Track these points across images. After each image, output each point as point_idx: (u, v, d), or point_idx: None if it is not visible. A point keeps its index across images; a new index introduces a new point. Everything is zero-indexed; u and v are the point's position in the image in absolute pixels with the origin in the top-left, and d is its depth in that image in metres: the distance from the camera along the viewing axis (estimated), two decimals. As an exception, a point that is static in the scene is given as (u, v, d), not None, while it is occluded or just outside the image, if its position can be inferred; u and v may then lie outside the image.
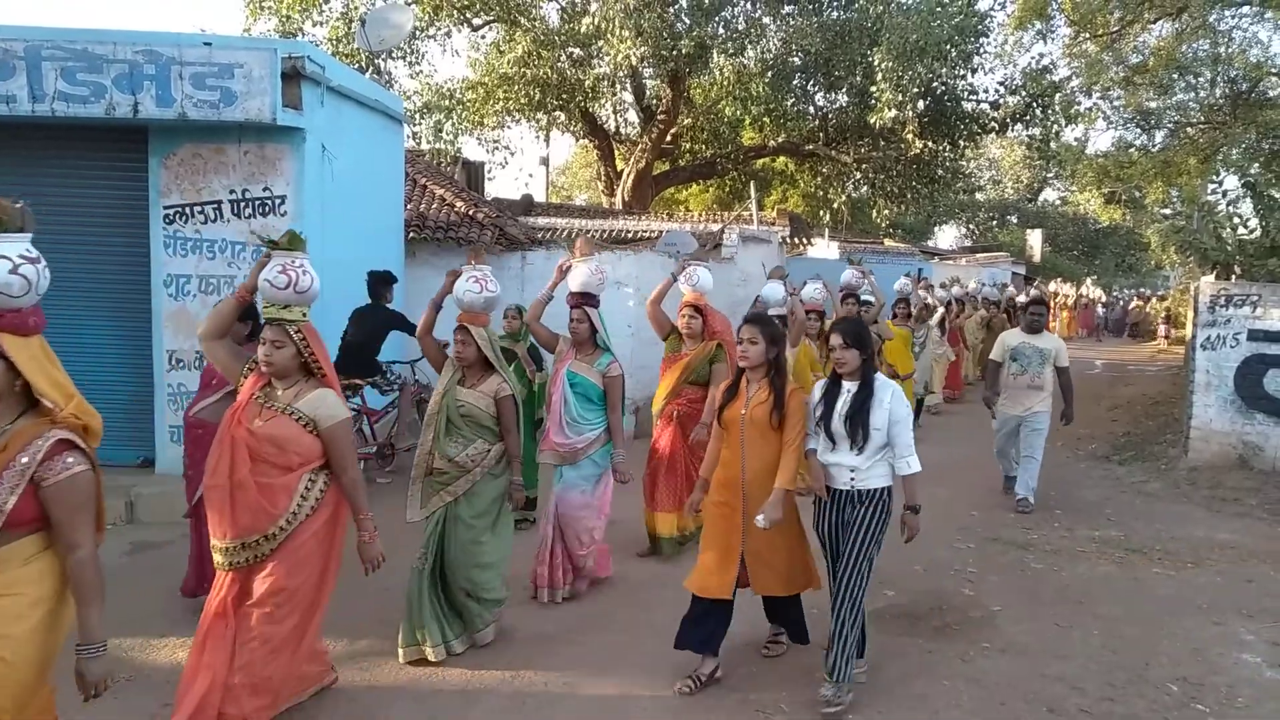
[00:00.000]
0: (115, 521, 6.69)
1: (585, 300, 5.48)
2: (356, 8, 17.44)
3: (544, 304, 5.66)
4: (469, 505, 4.57)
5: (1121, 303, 37.20)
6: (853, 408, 4.05)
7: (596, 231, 14.17)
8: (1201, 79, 16.98)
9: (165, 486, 7.19)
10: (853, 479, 4.12)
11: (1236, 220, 11.23)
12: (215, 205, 7.35)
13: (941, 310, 13.70)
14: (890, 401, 4.06)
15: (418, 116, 19.06)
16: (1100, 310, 33.43)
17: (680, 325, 6.19)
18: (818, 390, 4.26)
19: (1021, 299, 20.44)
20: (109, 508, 6.91)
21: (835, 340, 4.07)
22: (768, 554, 4.31)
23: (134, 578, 5.62)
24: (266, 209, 7.35)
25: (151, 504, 6.96)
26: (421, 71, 20.20)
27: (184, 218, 7.36)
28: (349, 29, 16.70)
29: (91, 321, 7.55)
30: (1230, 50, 16.20)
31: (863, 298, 9.06)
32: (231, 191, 7.35)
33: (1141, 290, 42.81)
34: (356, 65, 16.08)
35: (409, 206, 11.17)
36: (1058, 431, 12.20)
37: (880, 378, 4.16)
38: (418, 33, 18.72)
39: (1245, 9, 15.82)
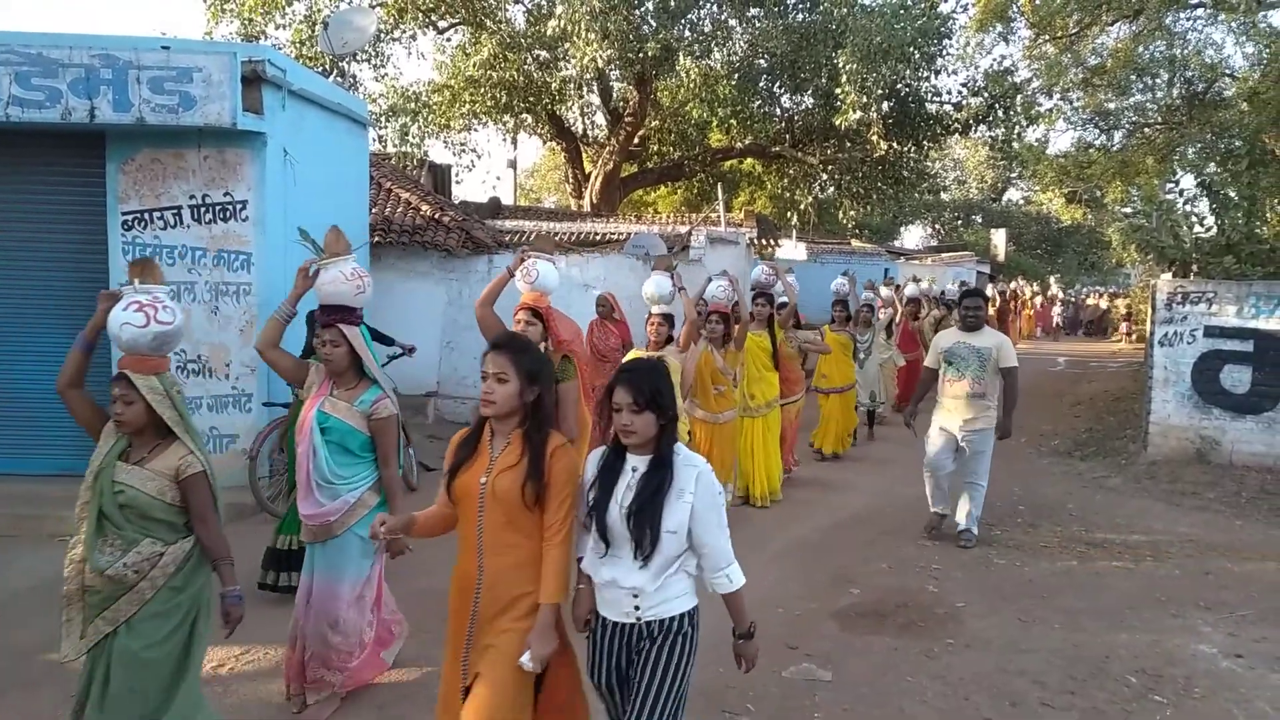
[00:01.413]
0: (73, 532, 6.57)
1: (339, 316, 4.04)
2: (320, 11, 17.29)
3: (282, 326, 4.21)
4: (136, 635, 3.17)
5: (1074, 300, 37.50)
6: (640, 497, 2.72)
7: (565, 234, 14.16)
8: (1158, 80, 17.29)
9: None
10: (637, 606, 2.80)
11: (1193, 219, 11.42)
12: (175, 211, 7.27)
13: (889, 311, 12.89)
14: (696, 491, 2.74)
15: (383, 120, 18.91)
16: (1056, 309, 33.69)
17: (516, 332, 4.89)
18: (591, 463, 2.90)
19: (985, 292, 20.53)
20: (65, 519, 6.83)
21: (619, 396, 2.75)
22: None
23: (94, 589, 5.52)
24: (227, 214, 7.28)
25: (112, 514, 6.85)
26: (387, 74, 20.03)
27: (143, 223, 7.27)
28: (312, 32, 16.55)
29: (48, 329, 7.43)
30: (1186, 52, 16.51)
31: (777, 299, 8.56)
32: (191, 197, 7.28)
33: (1098, 288, 43.33)
34: (320, 68, 15.95)
35: (374, 210, 11.12)
36: (1020, 428, 12.41)
37: (684, 454, 2.82)
38: (383, 35, 18.59)
39: (1199, 11, 16.12)
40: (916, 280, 16.49)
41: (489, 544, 2.83)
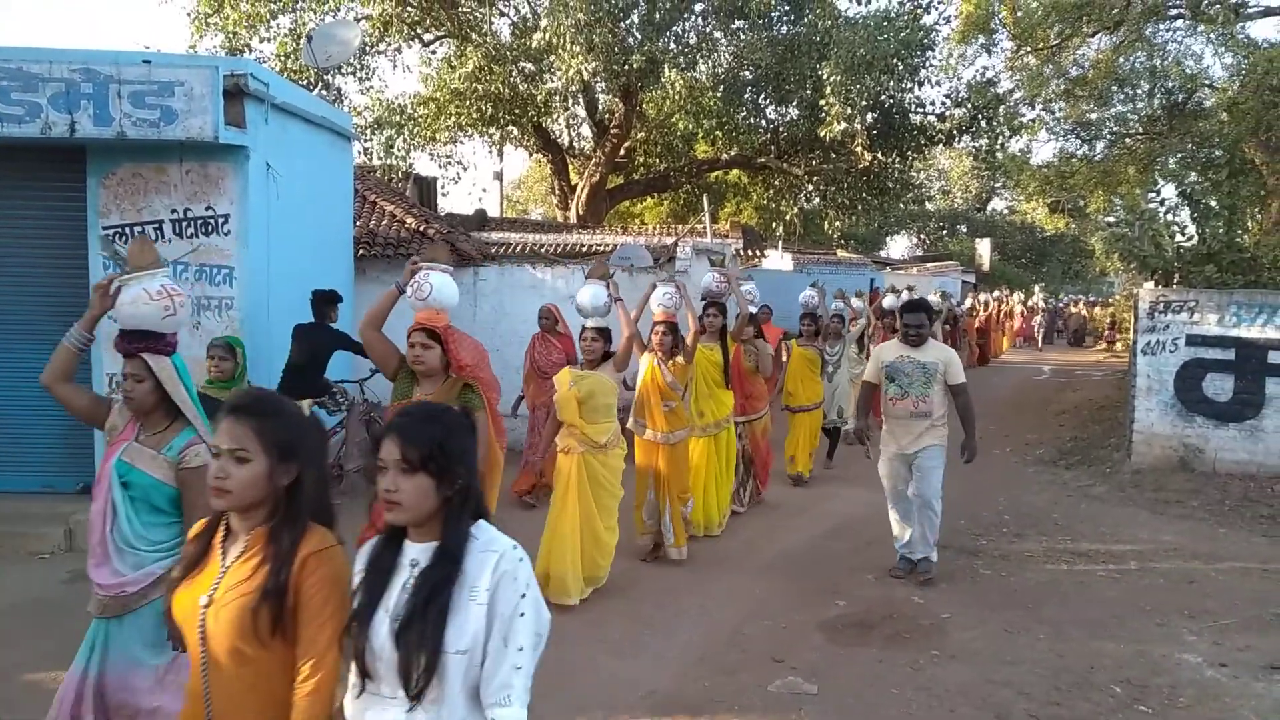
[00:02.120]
0: (54, 550, 6.53)
1: (143, 344, 3.28)
2: (304, 24, 17.28)
3: (74, 355, 3.49)
4: None
5: (1054, 308, 37.41)
6: (416, 602, 1.92)
7: (550, 245, 14.14)
8: (1139, 91, 17.40)
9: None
10: None
11: (1175, 228, 11.53)
12: (156, 225, 7.22)
13: (862, 323, 11.94)
14: (493, 586, 1.93)
15: (368, 132, 18.89)
16: (1037, 318, 33.48)
17: (409, 358, 4.29)
18: (362, 557, 2.08)
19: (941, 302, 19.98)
20: (45, 536, 6.76)
21: (384, 450, 1.97)
22: None
23: (72, 608, 5.46)
24: (210, 228, 7.24)
25: (93, 531, 6.78)
26: (372, 87, 20.05)
27: (124, 238, 7.20)
28: (297, 45, 16.53)
29: (29, 344, 7.35)
30: (1166, 63, 16.63)
31: (759, 307, 8.14)
32: (173, 211, 7.23)
33: (1077, 297, 43.40)
34: (305, 82, 15.92)
35: (358, 223, 11.08)
36: (1006, 438, 12.53)
37: (486, 536, 2.01)
38: (368, 48, 18.59)
39: (1179, 23, 16.29)
40: (895, 290, 15.39)
41: (217, 690, 2.05)
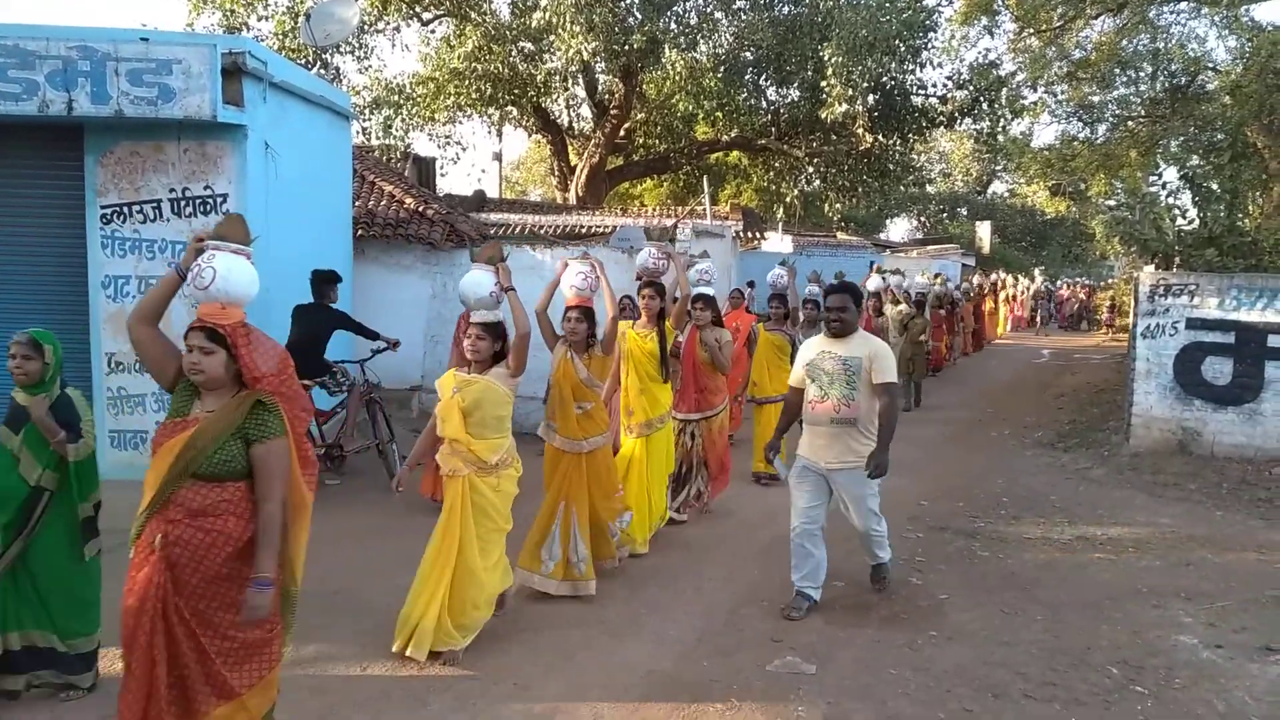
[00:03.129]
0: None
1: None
2: (302, 2, 17.17)
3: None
4: None
5: (1048, 291, 36.95)
6: None
7: (551, 226, 14.11)
8: (1142, 73, 17.31)
9: (107, 492, 6.99)
10: None
11: (1176, 212, 11.50)
12: (154, 204, 7.21)
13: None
14: None
15: (367, 112, 18.84)
16: (1032, 302, 32.97)
17: (185, 365, 3.25)
18: None
19: (940, 289, 18.51)
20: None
21: None
22: None
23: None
24: (208, 208, 7.23)
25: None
26: (370, 66, 19.91)
27: (122, 217, 7.20)
28: (295, 23, 16.44)
29: (27, 322, 7.33)
30: (1169, 45, 16.55)
31: (704, 290, 7.13)
32: (171, 190, 7.21)
33: (1075, 280, 43.11)
34: (303, 60, 15.84)
35: (357, 203, 11.05)
36: (1004, 420, 12.54)
37: None
38: (366, 27, 18.49)
39: (1183, 5, 16.20)
40: (881, 271, 14.33)
41: None
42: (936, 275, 19.42)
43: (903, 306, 14.11)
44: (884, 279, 13.94)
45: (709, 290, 7.17)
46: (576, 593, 5.34)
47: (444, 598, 4.44)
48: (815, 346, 5.35)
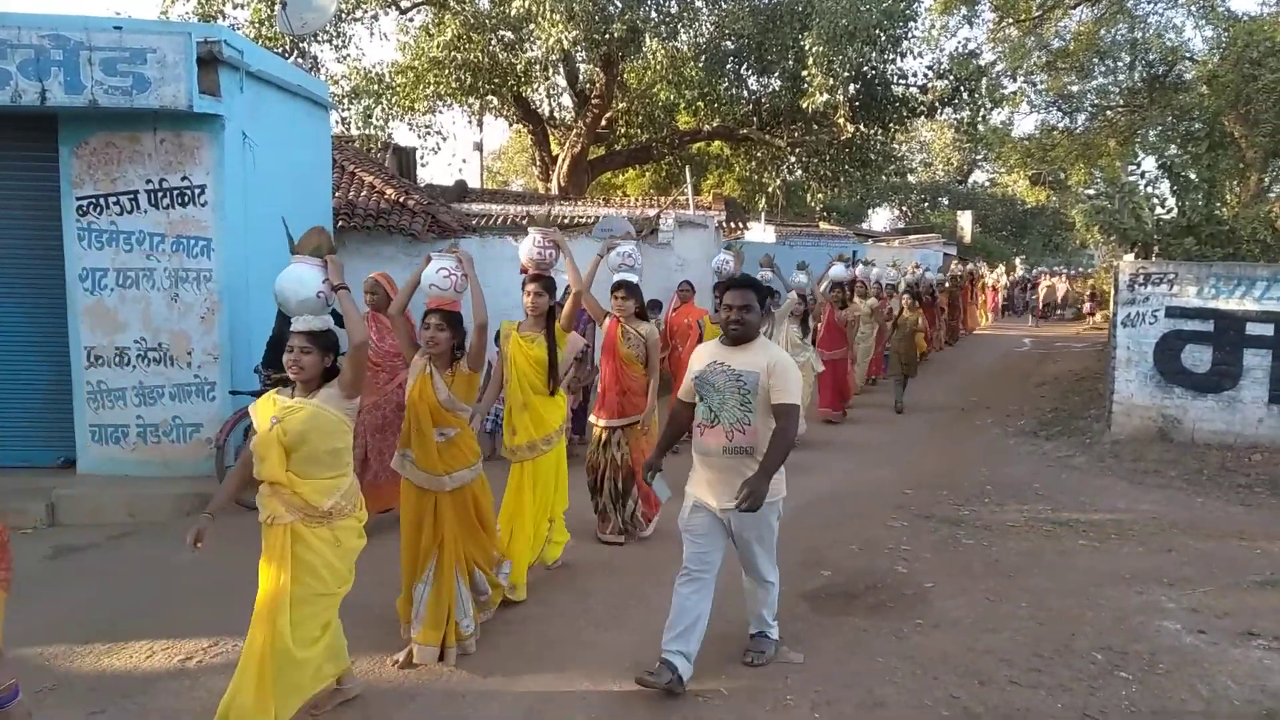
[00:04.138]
0: (35, 525, 6.47)
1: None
2: (279, -10, 16.96)
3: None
4: None
5: (1022, 280, 36.64)
6: None
7: (529, 216, 14.00)
8: (1120, 63, 17.44)
9: (88, 488, 6.95)
10: None
11: (1154, 201, 11.58)
12: (131, 196, 7.11)
13: (792, 297, 9.72)
14: None
15: (346, 101, 18.65)
16: (1006, 292, 32.72)
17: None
18: None
19: (928, 275, 18.27)
20: (25, 511, 6.68)
21: None
22: None
23: (56, 583, 5.43)
24: (185, 199, 7.13)
25: (74, 506, 6.72)
26: (349, 55, 19.76)
27: (98, 209, 7.10)
28: (271, 11, 16.22)
29: (3, 318, 7.27)
30: (1147, 35, 16.67)
31: (627, 276, 6.26)
32: (148, 181, 7.11)
33: (1056, 269, 43.24)
34: (280, 49, 15.66)
35: (337, 194, 10.96)
36: (987, 409, 12.61)
37: None
38: (344, 15, 18.30)
39: (1160, -6, 16.33)
40: (843, 259, 12.77)
41: None
42: (915, 265, 19.31)
43: (872, 300, 13.72)
44: (846, 266, 12.68)
45: (632, 277, 6.23)
46: (464, 651, 4.48)
47: (264, 680, 3.49)
48: (706, 355, 4.30)
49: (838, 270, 12.04)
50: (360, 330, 3.70)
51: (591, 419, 6.51)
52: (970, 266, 28.95)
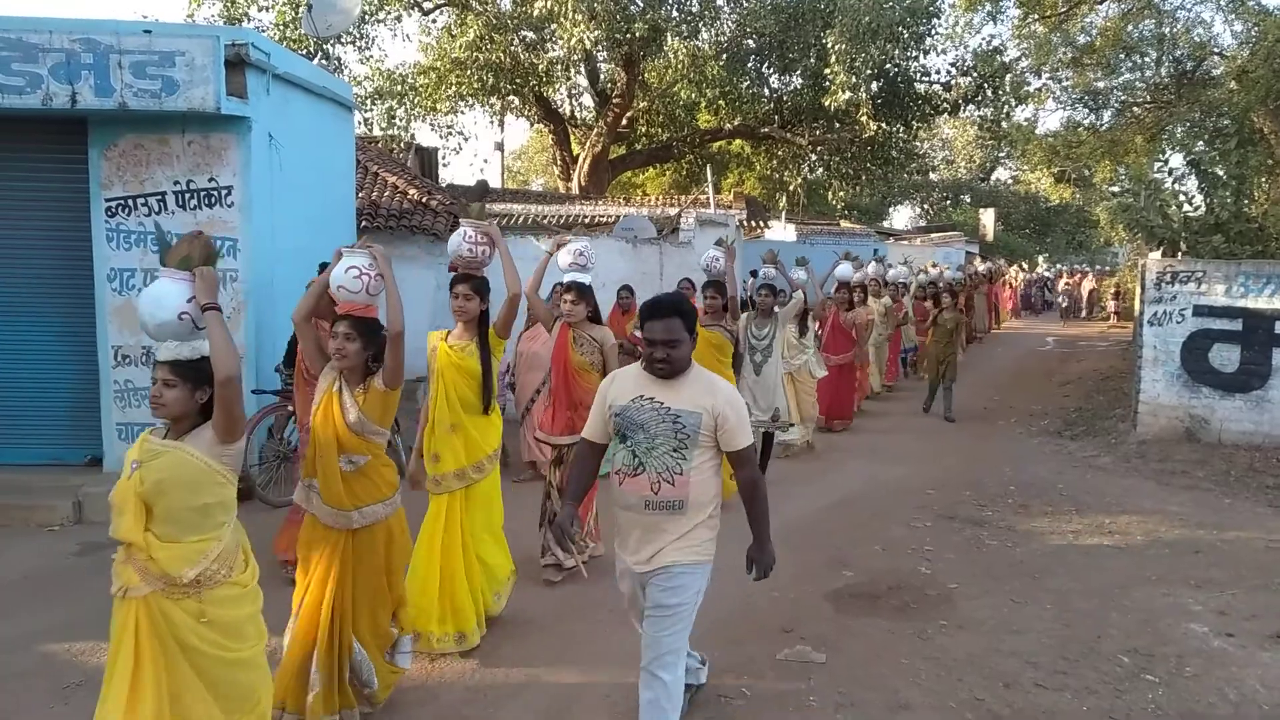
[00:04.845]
0: (63, 522, 6.55)
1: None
2: (303, -8, 17.10)
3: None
4: None
5: (1040, 279, 36.03)
6: None
7: (553, 217, 14.06)
8: (1147, 59, 17.21)
9: (115, 485, 7.03)
10: None
11: (1182, 198, 11.45)
12: (159, 197, 7.19)
13: (798, 297, 8.67)
14: None
15: (369, 103, 18.78)
16: (1023, 290, 32.22)
17: None
18: None
19: (940, 272, 17.63)
20: (54, 508, 6.77)
21: None
22: None
23: (83, 580, 5.50)
24: (213, 200, 7.20)
25: (101, 503, 6.76)
26: (372, 57, 19.93)
27: (127, 210, 7.18)
28: (296, 14, 16.36)
29: (34, 317, 7.36)
30: (1175, 30, 16.45)
31: (579, 277, 5.64)
32: (176, 183, 7.19)
33: (1080, 267, 42.71)
34: (304, 51, 15.79)
35: (361, 195, 11.03)
36: (1011, 408, 12.51)
37: None
38: (367, 17, 18.42)
39: (1189, -11, 16.11)
40: (849, 258, 11.86)
41: None
42: (933, 263, 18.97)
43: (887, 299, 13.26)
44: (853, 265, 11.81)
45: (584, 277, 5.62)
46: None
47: None
48: (628, 385, 3.43)
49: (844, 270, 11.33)
50: (227, 363, 2.96)
51: (540, 434, 5.82)
52: (986, 265, 27.79)
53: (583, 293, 5.56)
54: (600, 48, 17.58)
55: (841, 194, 23.50)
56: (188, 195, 7.20)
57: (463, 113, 20.74)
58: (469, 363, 4.54)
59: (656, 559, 3.38)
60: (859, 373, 11.54)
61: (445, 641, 4.44)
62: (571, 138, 22.67)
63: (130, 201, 7.18)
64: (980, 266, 25.76)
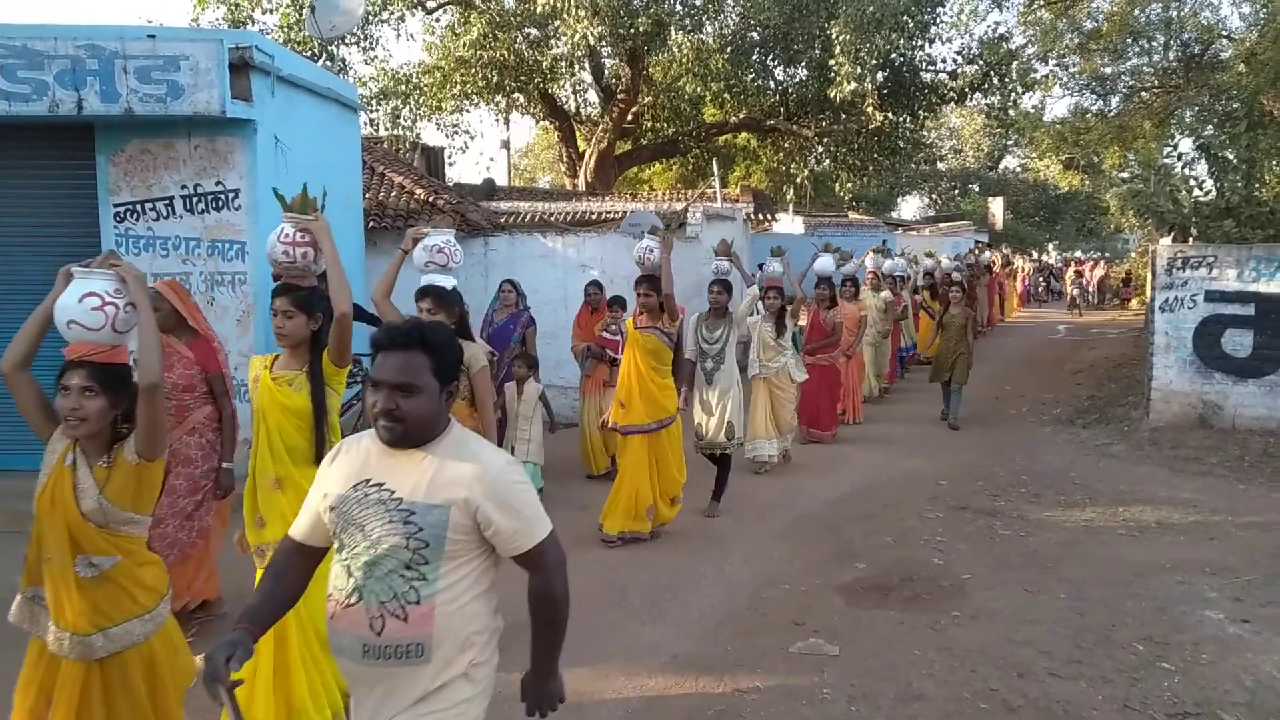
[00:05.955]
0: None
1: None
2: (306, -6, 17.13)
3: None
4: None
5: (1047, 267, 35.65)
6: None
7: (560, 213, 14.06)
8: (1155, 43, 17.10)
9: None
10: None
11: (1192, 182, 11.37)
12: (167, 201, 7.22)
13: (751, 293, 7.41)
14: None
15: (374, 103, 18.82)
16: (1028, 279, 31.85)
17: None
18: None
19: (940, 265, 16.20)
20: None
21: None
22: None
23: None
24: (220, 203, 7.23)
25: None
26: (376, 57, 19.86)
27: (135, 215, 7.22)
28: (300, 15, 16.39)
29: (45, 324, 7.41)
30: (1182, 13, 16.34)
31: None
32: (183, 187, 7.22)
33: (1090, 254, 42.37)
34: (309, 53, 15.82)
35: (368, 195, 11.05)
36: (1022, 397, 12.45)
37: None
38: (371, 17, 18.44)
39: (1196, -28, 15.99)
40: (829, 250, 11.05)
41: None
42: (929, 252, 18.05)
43: (886, 293, 12.33)
44: (833, 258, 10.92)
45: (445, 280, 4.64)
46: None
47: None
48: (354, 463, 2.23)
49: (823, 263, 10.36)
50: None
51: None
52: (986, 255, 26.28)
53: (442, 299, 4.44)
54: (604, 43, 17.57)
55: (849, 185, 23.39)
56: (195, 199, 7.23)
57: (468, 111, 20.78)
58: (295, 399, 3.55)
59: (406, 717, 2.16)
60: (844, 375, 10.11)
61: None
62: (577, 134, 22.67)
63: (138, 207, 7.21)
64: (981, 257, 24.83)
